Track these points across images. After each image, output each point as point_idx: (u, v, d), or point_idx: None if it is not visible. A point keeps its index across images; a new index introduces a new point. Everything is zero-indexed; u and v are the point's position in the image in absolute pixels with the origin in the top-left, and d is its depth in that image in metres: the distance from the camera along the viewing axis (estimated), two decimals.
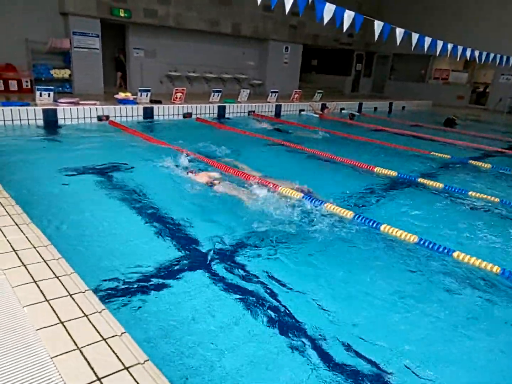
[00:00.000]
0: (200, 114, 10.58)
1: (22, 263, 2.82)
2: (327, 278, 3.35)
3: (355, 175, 6.42)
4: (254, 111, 11.78)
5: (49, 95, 8.38)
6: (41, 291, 2.46)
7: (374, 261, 3.66)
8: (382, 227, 4.13)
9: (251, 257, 3.58)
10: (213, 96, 11.13)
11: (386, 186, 5.88)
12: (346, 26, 6.13)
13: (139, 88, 9.87)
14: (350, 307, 3.01)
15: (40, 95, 8.27)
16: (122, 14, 13.05)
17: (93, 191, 4.86)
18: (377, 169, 6.50)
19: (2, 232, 3.21)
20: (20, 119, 7.83)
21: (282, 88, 14.79)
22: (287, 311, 2.87)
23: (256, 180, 5.22)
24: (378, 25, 6.60)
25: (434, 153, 8.22)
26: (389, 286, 3.27)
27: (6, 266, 2.74)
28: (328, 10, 5.96)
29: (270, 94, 12.49)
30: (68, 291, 2.52)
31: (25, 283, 2.54)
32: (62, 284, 2.60)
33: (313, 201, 4.71)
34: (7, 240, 3.10)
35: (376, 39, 6.65)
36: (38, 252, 3.01)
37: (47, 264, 2.87)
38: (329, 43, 20.14)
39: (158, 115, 9.78)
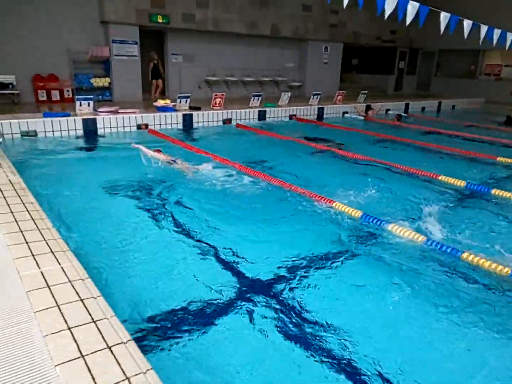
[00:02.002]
0: (240, 119, 10.19)
1: (56, 303, 2.48)
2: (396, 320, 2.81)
3: (416, 185, 5.76)
4: (295, 115, 11.27)
5: (88, 104, 8.27)
6: (79, 349, 2.08)
7: (454, 301, 3.04)
8: (464, 255, 3.50)
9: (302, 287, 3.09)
10: (253, 100, 10.72)
11: (456, 199, 5.19)
12: (409, 19, 5.51)
13: (179, 95, 9.61)
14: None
15: (80, 104, 8.16)
16: (160, 20, 12.94)
17: (134, 209, 4.54)
18: (442, 178, 5.81)
19: (36, 262, 2.90)
20: (61, 130, 7.73)
21: (322, 89, 14.17)
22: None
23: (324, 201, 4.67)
24: (444, 18, 5.89)
25: (502, 158, 7.36)
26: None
27: (39, 307, 2.40)
28: (391, 2, 5.33)
29: (312, 96, 11.94)
30: (107, 344, 2.13)
31: (58, 331, 2.18)
32: (101, 334, 2.21)
33: (374, 221, 4.14)
34: (41, 273, 2.79)
35: (441, 32, 5.95)
36: (74, 287, 2.66)
37: (83, 303, 2.52)
38: (371, 41, 19.28)
39: (198, 122, 9.48)
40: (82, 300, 2.50)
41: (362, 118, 12.13)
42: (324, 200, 4.67)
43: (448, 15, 5.91)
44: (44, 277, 2.71)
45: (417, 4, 5.47)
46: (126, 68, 12.75)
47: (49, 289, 2.60)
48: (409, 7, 5.39)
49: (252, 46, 15.98)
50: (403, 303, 2.97)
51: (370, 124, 11.35)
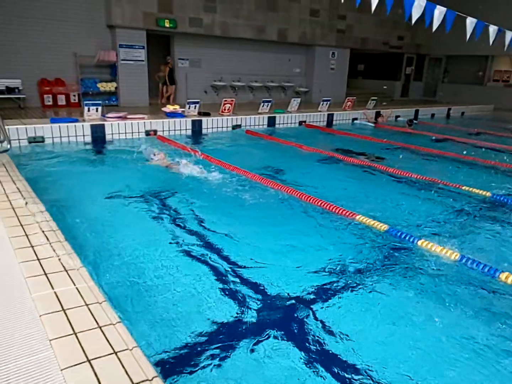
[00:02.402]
0: (250, 125, 10.01)
1: (73, 330, 2.28)
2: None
3: (441, 195, 5.53)
4: (305, 121, 11.08)
5: (97, 110, 8.09)
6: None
7: (496, 327, 2.82)
8: (502, 276, 3.28)
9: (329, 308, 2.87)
10: (262, 106, 10.54)
11: (483, 211, 4.97)
12: (436, 24, 5.32)
13: (188, 101, 9.44)
14: None
15: (88, 110, 7.98)
16: (167, 25, 12.82)
17: (147, 220, 4.33)
18: (466, 188, 5.59)
19: (50, 283, 2.70)
20: (68, 136, 7.55)
21: (329, 95, 14.00)
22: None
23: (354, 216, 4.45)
24: (470, 23, 5.68)
25: None
26: None
27: (54, 335, 2.19)
28: (418, 7, 5.14)
29: (322, 102, 11.75)
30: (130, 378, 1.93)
31: (76, 365, 1.98)
32: (122, 366, 2.01)
33: (402, 236, 3.92)
34: (55, 293, 2.58)
35: (468, 39, 5.74)
36: (91, 312, 2.45)
37: (101, 330, 2.31)
38: (378, 47, 19.15)
39: (207, 128, 9.30)
40: (100, 328, 2.30)
41: (372, 125, 11.93)
42: (345, 213, 4.45)
43: (475, 20, 5.70)
44: (59, 300, 2.51)
45: (444, 9, 5.28)
46: (133, 73, 12.62)
47: (65, 313, 2.40)
48: (436, 12, 5.20)
49: (259, 51, 15.86)
50: (437, 329, 2.75)
51: (382, 131, 11.15)
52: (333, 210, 4.58)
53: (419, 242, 3.79)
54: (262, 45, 15.75)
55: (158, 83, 13.47)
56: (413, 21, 5.29)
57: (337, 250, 3.81)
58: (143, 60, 12.79)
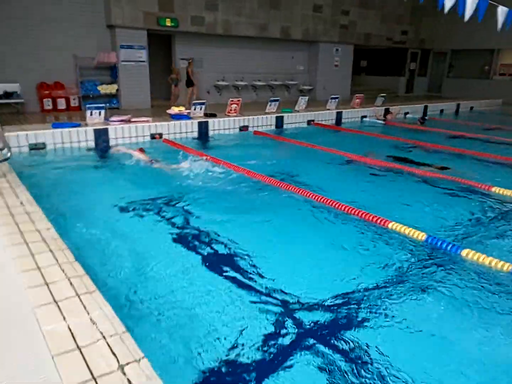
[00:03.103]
0: (257, 126, 9.66)
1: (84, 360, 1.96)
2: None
3: (474, 199, 5.18)
4: (313, 120, 10.73)
5: (99, 113, 7.74)
6: None
7: None
8: None
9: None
10: (270, 106, 10.20)
11: None
12: (468, 14, 4.96)
13: (194, 102, 9.09)
14: None
15: (91, 114, 7.63)
16: (169, 24, 12.47)
17: (158, 231, 3.99)
18: (496, 189, 5.24)
19: (59, 308, 2.36)
20: (71, 141, 7.21)
21: (334, 92, 13.63)
22: None
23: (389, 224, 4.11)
24: (502, 12, 5.28)
25: None
26: None
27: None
28: None
29: (330, 100, 11.42)
30: None
31: None
32: None
33: (443, 245, 3.58)
34: (66, 324, 2.24)
35: (499, 29, 5.37)
36: (110, 348, 2.12)
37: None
38: (382, 42, 18.80)
39: (214, 129, 8.96)
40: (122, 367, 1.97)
41: (381, 122, 11.59)
42: (377, 219, 4.11)
43: (506, 9, 5.32)
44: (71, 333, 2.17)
45: None
46: (134, 74, 12.27)
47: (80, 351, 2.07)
48: (469, 0, 4.84)
49: (262, 49, 15.51)
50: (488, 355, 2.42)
51: (394, 129, 10.81)
52: (363, 216, 4.24)
53: (464, 252, 3.45)
54: (265, 43, 15.40)
55: (170, 85, 13.06)
56: (446, 10, 4.94)
57: (369, 260, 3.48)
58: (144, 61, 12.43)
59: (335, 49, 17.27)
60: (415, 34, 19.96)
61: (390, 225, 3.97)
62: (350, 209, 4.40)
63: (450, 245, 3.54)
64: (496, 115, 14.76)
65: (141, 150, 6.78)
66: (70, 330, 2.22)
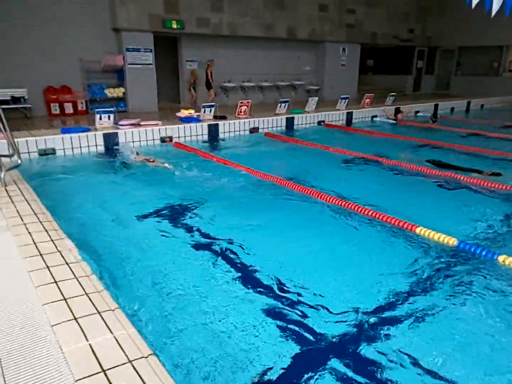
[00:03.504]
0: (267, 128, 9.51)
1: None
2: None
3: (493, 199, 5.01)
4: (324, 121, 10.57)
5: (109, 117, 7.62)
6: None
7: None
8: None
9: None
10: (280, 107, 10.04)
11: None
12: (495, 9, 4.77)
13: (203, 104, 8.95)
14: None
15: (100, 118, 7.51)
16: (174, 26, 12.35)
17: (171, 242, 3.82)
18: None
19: (81, 329, 2.21)
20: (80, 147, 7.08)
21: (341, 92, 13.46)
22: None
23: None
24: None
25: None
26: None
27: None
28: None
29: (340, 100, 11.24)
30: None
31: None
32: None
33: (478, 250, 3.40)
34: (90, 347, 2.09)
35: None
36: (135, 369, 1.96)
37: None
38: (389, 41, 18.59)
39: (224, 132, 8.81)
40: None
41: (393, 122, 11.39)
42: (402, 224, 3.94)
43: None
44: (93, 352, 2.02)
45: None
46: (141, 77, 12.15)
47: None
48: None
49: (268, 50, 15.36)
50: None
51: (407, 129, 10.61)
52: (387, 220, 4.07)
53: (500, 258, 3.27)
54: (271, 43, 15.25)
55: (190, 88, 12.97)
56: (473, 5, 4.75)
57: (397, 267, 3.31)
58: (151, 64, 12.32)
59: (342, 49, 17.09)
60: (422, 32, 19.74)
61: (418, 230, 3.80)
62: (375, 213, 4.23)
63: (485, 251, 3.36)
64: (508, 112, 14.49)
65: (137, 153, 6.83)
66: (92, 350, 2.08)
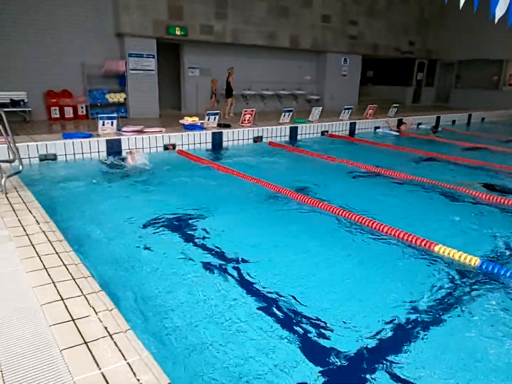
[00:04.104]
0: (271, 137, 9.40)
1: None
2: None
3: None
4: (327, 131, 10.48)
5: (112, 123, 7.47)
6: None
7: None
8: None
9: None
10: (283, 116, 9.94)
11: None
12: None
13: (207, 112, 8.82)
14: None
15: (103, 124, 7.35)
16: (178, 32, 12.27)
17: (177, 254, 3.66)
18: None
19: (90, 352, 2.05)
20: (82, 153, 6.92)
21: (341, 102, 13.44)
22: None
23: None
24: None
25: None
26: None
27: None
28: (502, 4, 4.48)
29: (343, 111, 11.17)
30: None
31: None
32: None
33: (502, 271, 3.27)
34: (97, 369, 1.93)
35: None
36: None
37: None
38: (390, 53, 18.66)
39: (227, 140, 8.68)
40: None
41: (395, 133, 11.34)
42: (421, 242, 3.81)
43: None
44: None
45: None
46: (142, 83, 12.03)
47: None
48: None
49: (270, 58, 15.33)
50: None
51: (411, 140, 10.55)
52: (403, 237, 3.94)
53: None
54: (273, 52, 15.23)
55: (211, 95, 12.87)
56: (496, 20, 4.65)
57: (410, 289, 3.17)
58: (153, 70, 12.21)
59: (343, 59, 17.11)
60: (423, 45, 19.85)
61: (436, 248, 3.67)
62: (391, 229, 4.10)
63: (510, 272, 3.23)
64: (508, 125, 14.51)
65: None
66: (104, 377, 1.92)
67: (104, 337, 2.22)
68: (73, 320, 2.35)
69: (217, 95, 12.84)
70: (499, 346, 2.56)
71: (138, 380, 1.93)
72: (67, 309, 2.45)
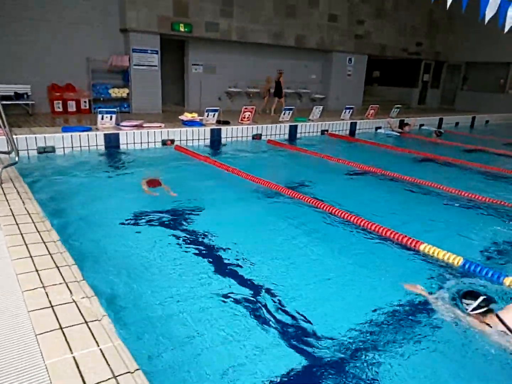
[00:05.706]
0: (270, 135, 9.42)
1: None
2: None
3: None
4: (327, 130, 10.49)
5: (111, 118, 7.54)
6: None
7: None
8: None
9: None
10: (284, 114, 9.96)
11: None
12: (508, 25, 4.68)
13: (207, 108, 8.87)
14: None
15: (102, 118, 7.43)
16: (182, 29, 12.31)
17: (172, 251, 3.72)
18: None
19: (66, 340, 2.10)
20: (81, 146, 7.00)
21: (346, 102, 13.39)
22: None
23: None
24: None
25: None
26: None
27: None
28: (493, 5, 4.49)
29: (344, 110, 11.17)
30: None
31: None
32: None
33: (483, 272, 3.29)
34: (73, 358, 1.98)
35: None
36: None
37: None
38: (397, 53, 18.57)
39: (226, 137, 8.72)
40: None
41: (397, 134, 11.31)
42: (407, 240, 3.83)
43: None
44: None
45: None
46: (145, 79, 12.10)
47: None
48: (510, 11, 4.56)
49: (275, 57, 15.32)
50: None
51: (414, 142, 10.52)
52: (390, 235, 3.96)
53: (507, 281, 3.16)
54: (278, 51, 15.22)
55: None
56: (486, 21, 4.66)
57: (395, 286, 3.19)
58: (156, 66, 12.27)
59: (348, 59, 17.06)
60: (430, 46, 19.74)
61: (422, 247, 3.69)
62: (378, 227, 4.12)
63: (491, 272, 3.25)
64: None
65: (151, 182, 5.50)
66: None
67: (80, 324, 2.28)
68: (51, 306, 2.41)
69: (270, 94, 12.90)
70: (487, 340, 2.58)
71: (108, 364, 1.98)
72: (47, 296, 2.51)
